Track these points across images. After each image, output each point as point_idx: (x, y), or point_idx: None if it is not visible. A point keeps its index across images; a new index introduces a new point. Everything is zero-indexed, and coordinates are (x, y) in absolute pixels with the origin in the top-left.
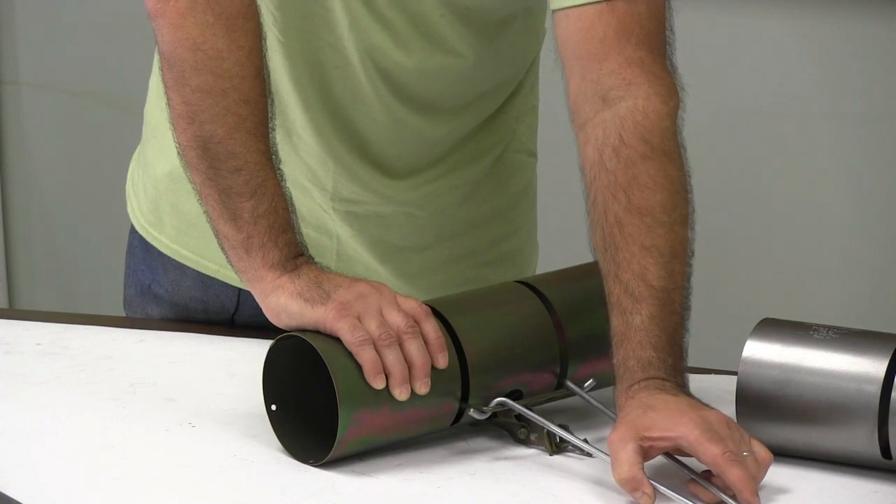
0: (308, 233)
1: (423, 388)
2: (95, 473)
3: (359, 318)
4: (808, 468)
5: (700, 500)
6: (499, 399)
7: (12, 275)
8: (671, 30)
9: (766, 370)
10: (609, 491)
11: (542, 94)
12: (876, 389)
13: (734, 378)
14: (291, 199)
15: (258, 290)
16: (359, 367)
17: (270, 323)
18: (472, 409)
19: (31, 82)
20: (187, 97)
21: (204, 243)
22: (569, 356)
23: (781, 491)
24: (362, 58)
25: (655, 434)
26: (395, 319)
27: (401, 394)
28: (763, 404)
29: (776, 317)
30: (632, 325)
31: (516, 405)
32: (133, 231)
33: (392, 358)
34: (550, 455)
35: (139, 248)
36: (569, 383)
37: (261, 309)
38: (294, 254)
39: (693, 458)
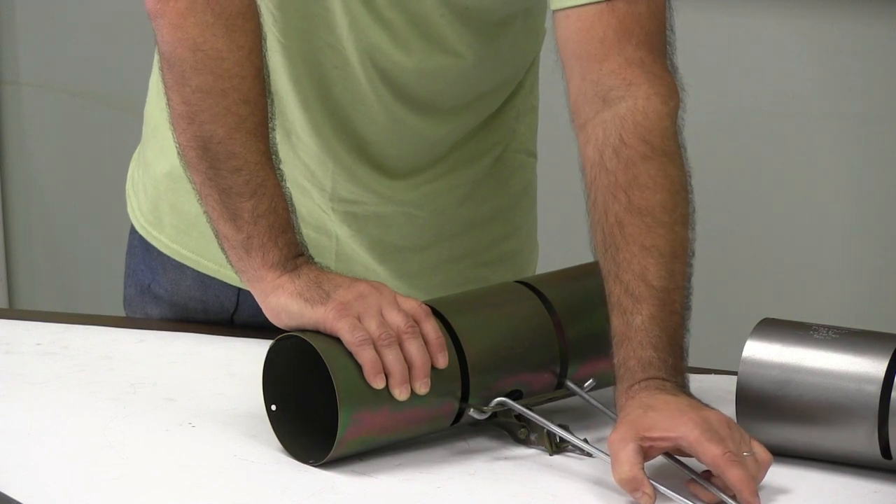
0: (307, 233)
1: (422, 388)
2: (95, 473)
3: (359, 318)
4: (808, 468)
5: (700, 500)
6: (499, 399)
7: (12, 275)
8: (671, 30)
9: (766, 370)
10: (609, 491)
11: (542, 94)
12: (876, 389)
13: (734, 378)
14: (291, 199)
15: (258, 290)
16: (359, 367)
17: (270, 323)
18: (472, 409)
19: (31, 82)
20: (187, 97)
21: (204, 243)
22: (569, 356)
23: (781, 491)
24: (362, 58)
25: (656, 434)
26: (395, 319)
27: (401, 394)
28: (763, 404)
29: (776, 317)
30: (632, 325)
31: (516, 405)
32: (133, 231)
33: (392, 358)
34: (550, 455)
35: (139, 248)
36: (569, 383)
37: (260, 309)
38: (294, 254)
39: (693, 459)
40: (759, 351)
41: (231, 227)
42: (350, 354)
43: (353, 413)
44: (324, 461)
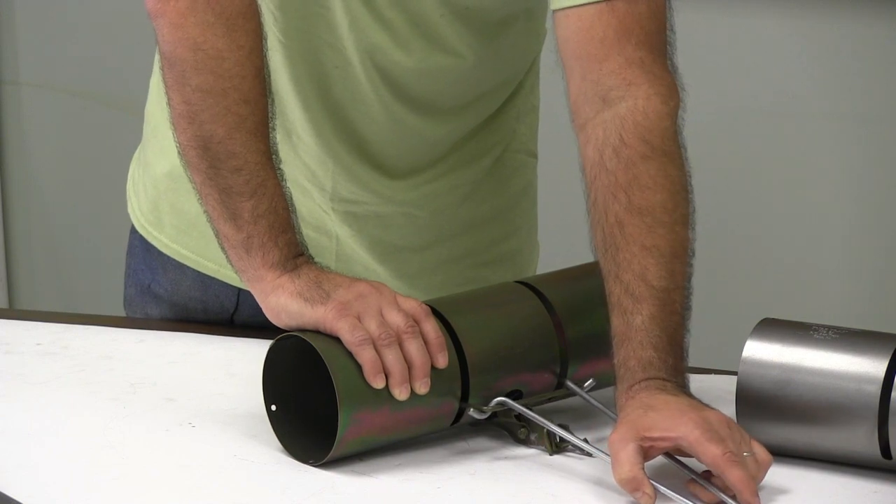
0: (307, 233)
1: (422, 387)
2: (95, 473)
3: (359, 318)
4: (808, 468)
5: (700, 500)
6: (499, 399)
7: (12, 275)
8: (672, 29)
9: (766, 370)
10: (609, 491)
11: (543, 94)
12: (876, 389)
13: (734, 378)
14: (291, 198)
15: (258, 290)
16: (359, 367)
17: (270, 323)
18: (472, 409)
19: (31, 82)
20: (188, 97)
21: (204, 243)
22: (569, 356)
23: (781, 491)
24: (362, 58)
25: (656, 434)
26: (395, 319)
27: (401, 394)
28: (763, 404)
29: (776, 317)
30: (632, 325)
31: (516, 405)
32: (133, 231)
33: (392, 358)
34: (550, 455)
35: (139, 248)
36: (569, 383)
37: (260, 309)
38: (294, 253)
39: (693, 459)
40: (759, 351)
41: (231, 226)
42: (350, 354)
43: (353, 413)
44: (324, 461)
